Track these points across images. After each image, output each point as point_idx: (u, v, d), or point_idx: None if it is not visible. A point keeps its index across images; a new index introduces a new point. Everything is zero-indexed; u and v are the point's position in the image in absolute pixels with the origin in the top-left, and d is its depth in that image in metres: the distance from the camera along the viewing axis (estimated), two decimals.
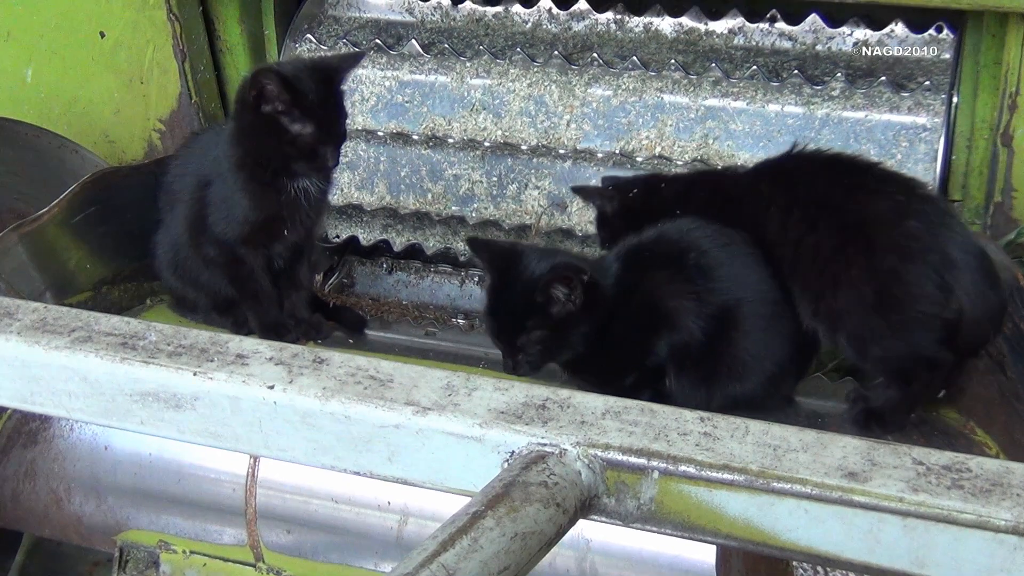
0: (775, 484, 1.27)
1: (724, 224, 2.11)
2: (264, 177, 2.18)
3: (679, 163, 2.59)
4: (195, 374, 1.48)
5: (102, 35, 2.83)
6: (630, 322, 1.99)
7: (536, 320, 1.97)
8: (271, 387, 1.45)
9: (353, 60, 2.26)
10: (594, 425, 1.36)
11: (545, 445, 1.34)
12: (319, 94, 2.14)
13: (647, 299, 1.98)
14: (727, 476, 1.28)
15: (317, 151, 2.16)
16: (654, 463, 1.31)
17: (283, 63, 2.16)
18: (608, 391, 1.46)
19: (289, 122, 2.12)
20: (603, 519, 1.35)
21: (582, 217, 2.62)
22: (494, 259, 2.04)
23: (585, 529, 1.90)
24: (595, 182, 2.59)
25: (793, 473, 1.27)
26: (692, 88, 2.61)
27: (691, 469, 1.30)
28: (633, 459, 1.32)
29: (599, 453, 1.33)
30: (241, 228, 2.23)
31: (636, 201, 2.32)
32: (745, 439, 1.33)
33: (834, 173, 2.13)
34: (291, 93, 2.10)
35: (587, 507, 1.33)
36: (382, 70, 2.81)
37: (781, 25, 2.64)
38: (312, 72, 2.16)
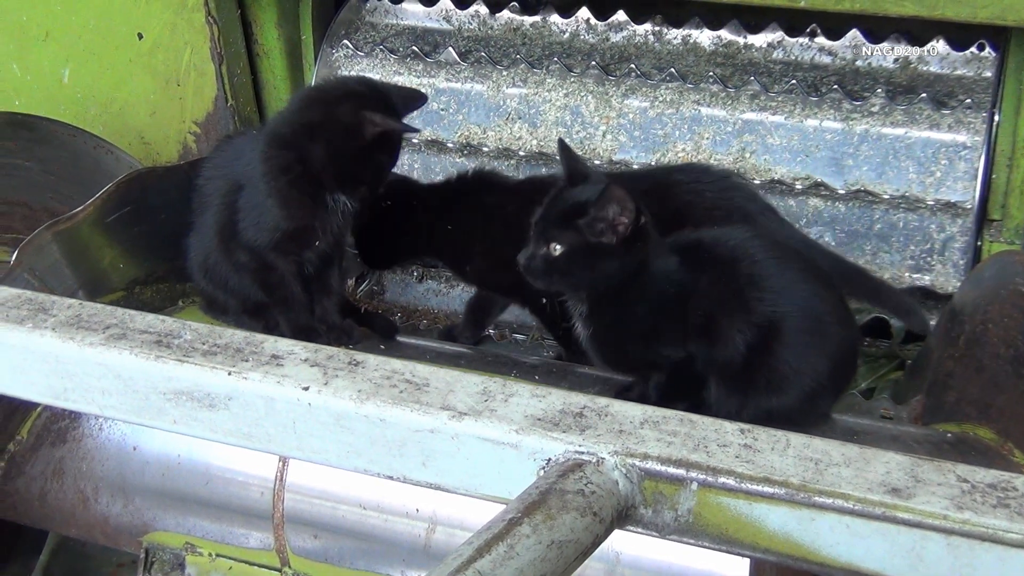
0: (816, 498, 1.25)
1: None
2: (308, 187, 2.18)
3: None
4: (230, 374, 1.48)
5: (140, 36, 2.83)
6: (675, 319, 1.95)
7: (578, 225, 1.90)
8: (306, 388, 1.44)
9: (416, 100, 2.28)
10: (632, 434, 1.35)
11: (582, 453, 1.33)
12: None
13: (699, 306, 1.94)
14: (767, 489, 1.27)
15: (380, 179, 2.22)
16: (693, 474, 1.30)
17: (382, 92, 2.18)
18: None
19: (377, 152, 2.18)
20: (640, 530, 1.34)
21: None
22: (574, 166, 2.00)
23: (615, 541, 1.88)
24: None
25: (835, 488, 1.25)
26: (730, 101, 2.59)
27: (731, 481, 1.28)
28: (672, 469, 1.30)
29: (637, 463, 1.32)
30: (271, 235, 2.22)
31: None
32: (786, 452, 1.31)
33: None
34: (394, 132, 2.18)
35: (624, 517, 1.32)
36: (418, 77, 2.81)
37: (821, 40, 2.63)
38: (397, 102, 2.22)
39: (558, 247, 1.92)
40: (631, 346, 2.01)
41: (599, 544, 1.26)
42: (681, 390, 1.99)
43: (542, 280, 1.98)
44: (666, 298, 1.95)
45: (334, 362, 1.49)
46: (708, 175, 2.30)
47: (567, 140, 2.65)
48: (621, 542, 1.90)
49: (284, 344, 1.53)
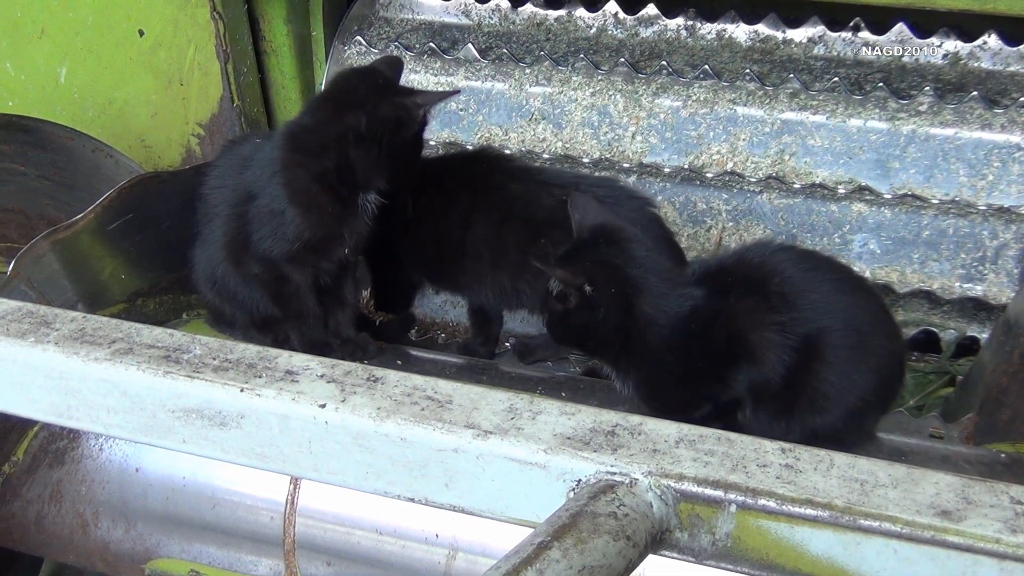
0: (862, 521, 1.27)
1: None
2: (341, 192, 2.20)
3: (752, 180, 2.60)
4: (242, 390, 1.49)
5: (141, 33, 2.86)
6: (708, 352, 1.98)
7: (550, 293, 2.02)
8: (322, 406, 1.46)
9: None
10: (667, 454, 1.37)
11: (614, 474, 1.35)
12: None
13: (727, 330, 1.97)
14: (810, 512, 1.28)
15: (417, 159, 2.27)
16: (731, 496, 1.31)
17: (386, 75, 2.22)
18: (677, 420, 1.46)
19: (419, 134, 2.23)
20: (675, 555, 1.36)
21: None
22: (581, 224, 2.05)
23: (647, 567, 1.90)
24: (661, 199, 2.61)
25: (882, 510, 1.27)
26: (768, 100, 2.61)
27: (771, 503, 1.30)
28: (709, 491, 1.32)
29: (672, 484, 1.33)
30: (291, 246, 2.22)
31: None
32: (830, 472, 1.33)
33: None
34: None
35: (658, 541, 1.33)
36: (435, 75, 2.83)
37: (865, 34, 2.64)
38: (391, 76, 2.26)
39: (551, 311, 2.03)
40: (672, 393, 2.05)
41: (632, 570, 1.28)
42: (715, 411, 2.02)
43: (558, 341, 2.10)
44: (687, 338, 1.99)
45: (352, 378, 1.50)
46: (630, 201, 2.28)
47: (596, 142, 2.69)
48: (653, 568, 1.91)
49: (299, 359, 1.55)
